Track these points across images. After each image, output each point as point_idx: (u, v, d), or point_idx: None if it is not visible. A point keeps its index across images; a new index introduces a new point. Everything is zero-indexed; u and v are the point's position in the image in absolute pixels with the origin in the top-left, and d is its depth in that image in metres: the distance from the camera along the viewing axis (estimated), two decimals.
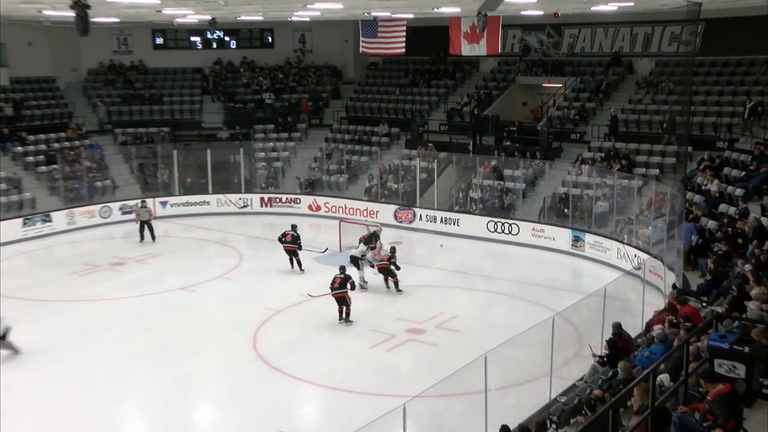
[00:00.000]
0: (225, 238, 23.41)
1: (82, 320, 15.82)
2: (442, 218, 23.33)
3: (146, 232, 22.30)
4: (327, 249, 20.54)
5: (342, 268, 16.00)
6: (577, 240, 20.58)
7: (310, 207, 25.89)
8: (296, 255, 19.10)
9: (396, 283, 17.50)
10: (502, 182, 23.57)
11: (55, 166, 25.30)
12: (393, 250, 17.81)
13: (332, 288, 15.46)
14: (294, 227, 19.63)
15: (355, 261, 17.95)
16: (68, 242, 22.56)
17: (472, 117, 26.77)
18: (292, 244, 19.12)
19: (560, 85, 26.88)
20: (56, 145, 26.69)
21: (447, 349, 14.01)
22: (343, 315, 15.38)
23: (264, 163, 28.05)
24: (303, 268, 19.06)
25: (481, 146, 25.66)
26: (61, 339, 14.62)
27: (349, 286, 15.45)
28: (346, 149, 27.68)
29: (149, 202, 23.82)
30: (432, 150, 25.76)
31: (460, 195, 24.14)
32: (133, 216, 23.18)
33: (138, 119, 29.74)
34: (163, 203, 25.76)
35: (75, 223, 23.96)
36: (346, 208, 25.16)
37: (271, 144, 29.16)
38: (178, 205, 25.88)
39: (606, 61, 26.93)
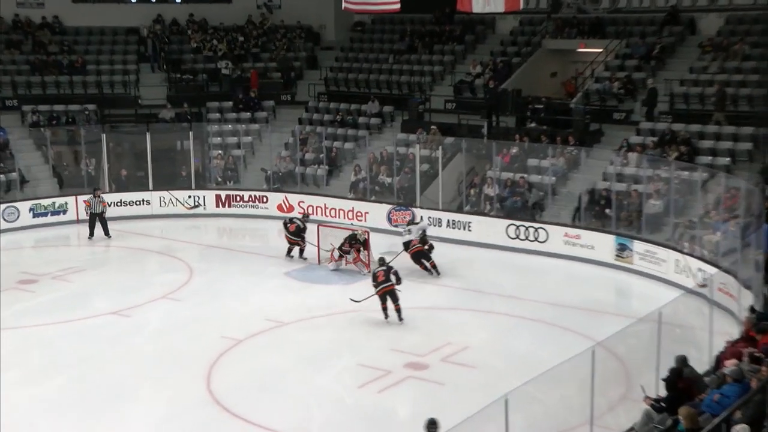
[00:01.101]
0: (170, 247, 23.30)
1: None
2: (449, 221, 23.28)
3: (97, 227, 23.49)
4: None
5: (381, 260, 17.72)
6: (622, 249, 20.56)
7: (280, 207, 25.79)
8: (301, 244, 21.20)
9: (434, 266, 19.73)
10: (525, 175, 23.55)
11: None
12: (423, 233, 20.28)
13: (377, 284, 16.87)
14: (305, 217, 21.72)
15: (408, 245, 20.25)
16: None
17: (487, 92, 26.78)
18: (294, 236, 21.22)
19: (600, 50, 26.93)
20: None
21: (456, 389, 13.95)
22: (387, 312, 16.81)
23: (220, 152, 27.96)
24: (305, 256, 21.17)
25: (498, 129, 25.69)
26: None
27: (393, 278, 16.88)
28: (326, 133, 27.60)
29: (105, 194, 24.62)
30: (435, 134, 25.75)
31: (472, 192, 24.12)
32: (83, 207, 24.24)
33: (54, 93, 29.58)
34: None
35: None
36: (326, 208, 25.07)
37: (230, 127, 29.07)
38: (109, 205, 25.55)
39: (660, 18, 26.98)
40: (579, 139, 24.04)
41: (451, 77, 28.82)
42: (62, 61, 30.22)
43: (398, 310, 16.80)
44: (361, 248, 20.17)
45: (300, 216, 21.92)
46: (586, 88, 26.03)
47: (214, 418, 13.16)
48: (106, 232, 23.57)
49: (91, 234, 23.50)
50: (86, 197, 24.08)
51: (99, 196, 23.74)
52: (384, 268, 17.12)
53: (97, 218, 23.50)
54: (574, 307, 18.04)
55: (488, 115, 25.95)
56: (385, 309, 16.82)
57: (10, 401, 13.64)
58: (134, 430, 12.95)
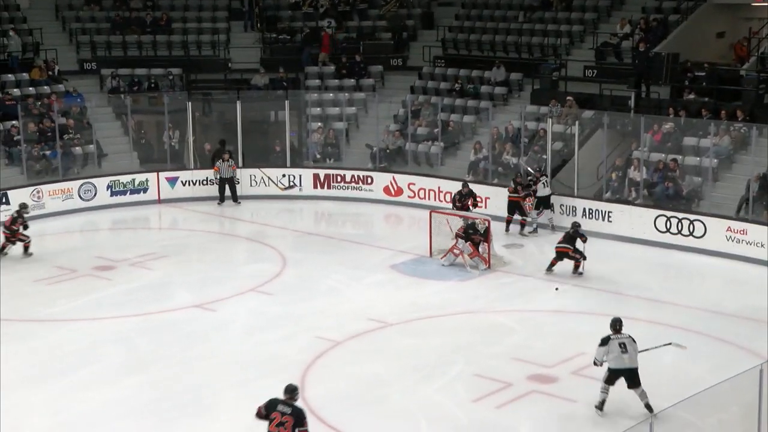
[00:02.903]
0: (261, 232, 23.79)
1: (47, 350, 16.16)
2: (585, 210, 23.09)
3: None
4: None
5: (575, 224, 19.73)
6: None
7: (386, 190, 26.02)
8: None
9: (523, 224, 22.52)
10: (680, 157, 23.13)
11: (14, 122, 26.01)
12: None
13: (558, 244, 19.56)
14: (463, 185, 22.55)
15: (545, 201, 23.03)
16: (33, 234, 23.15)
17: (636, 56, 26.37)
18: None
19: None
20: (16, 92, 27.45)
21: (590, 407, 13.79)
22: (553, 269, 19.51)
23: (320, 124, 28.29)
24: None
25: (648, 101, 25.33)
26: (15, 378, 14.87)
27: (581, 243, 19.39)
28: (442, 104, 27.65)
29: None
30: (572, 106, 25.49)
31: (614, 176, 23.84)
32: (212, 172, 26.17)
33: (135, 55, 30.43)
34: (172, 180, 26.35)
35: (43, 206, 24.71)
36: (440, 192, 25.14)
37: (331, 95, 29.35)
38: (194, 184, 26.45)
39: None
40: (750, 113, 23.45)
41: (592, 39, 28.46)
42: (145, 19, 31.02)
43: (576, 267, 19.40)
44: (482, 241, 20.06)
45: (462, 186, 22.53)
46: (762, 52, 25.44)
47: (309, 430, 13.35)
48: (235, 198, 25.82)
49: (222, 200, 25.79)
50: (216, 163, 26.05)
51: (228, 160, 25.63)
52: (570, 231, 19.46)
53: (226, 183, 25.65)
54: (737, 315, 17.68)
55: (637, 84, 25.60)
56: (553, 265, 19.49)
57: (79, 403, 14.15)
58: None
